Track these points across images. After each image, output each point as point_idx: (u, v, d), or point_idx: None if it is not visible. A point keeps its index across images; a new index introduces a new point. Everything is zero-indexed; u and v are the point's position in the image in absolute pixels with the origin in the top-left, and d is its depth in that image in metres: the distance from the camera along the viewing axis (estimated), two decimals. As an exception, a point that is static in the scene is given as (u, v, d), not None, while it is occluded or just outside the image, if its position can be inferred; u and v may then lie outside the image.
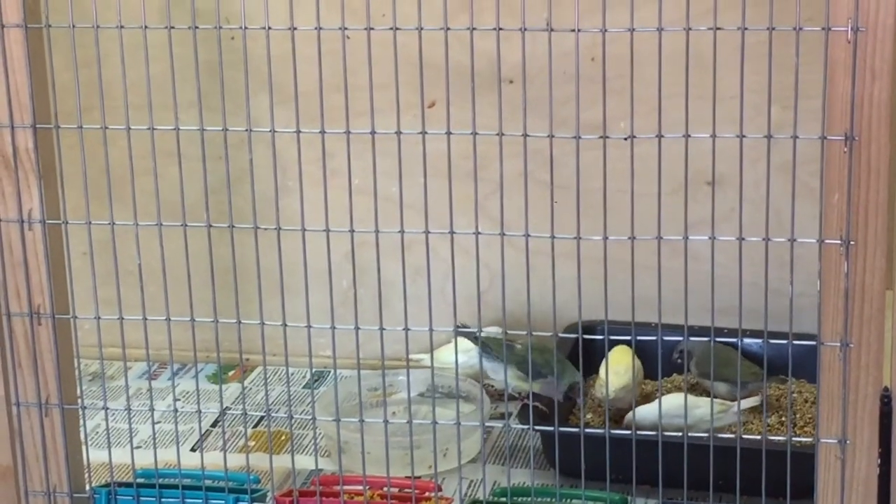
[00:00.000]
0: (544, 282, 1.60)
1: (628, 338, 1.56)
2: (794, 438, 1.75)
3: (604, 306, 1.71)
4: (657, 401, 1.98)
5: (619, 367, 2.07)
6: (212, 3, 1.87)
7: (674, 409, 1.95)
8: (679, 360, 2.17)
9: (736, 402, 1.98)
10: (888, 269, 1.44)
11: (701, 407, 1.98)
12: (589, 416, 2.17)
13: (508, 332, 1.66)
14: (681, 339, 1.98)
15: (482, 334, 2.05)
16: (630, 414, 2.01)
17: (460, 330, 2.08)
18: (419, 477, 1.95)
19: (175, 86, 1.57)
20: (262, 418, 2.26)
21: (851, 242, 1.42)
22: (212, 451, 2.15)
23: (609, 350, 2.08)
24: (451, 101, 1.52)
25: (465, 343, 2.21)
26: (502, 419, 2.21)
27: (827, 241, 1.45)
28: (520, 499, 1.80)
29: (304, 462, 2.13)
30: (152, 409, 1.72)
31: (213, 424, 2.26)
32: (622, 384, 2.07)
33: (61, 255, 1.66)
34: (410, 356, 1.71)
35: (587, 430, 1.59)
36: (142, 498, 1.75)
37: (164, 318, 1.65)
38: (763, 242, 1.49)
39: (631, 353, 2.07)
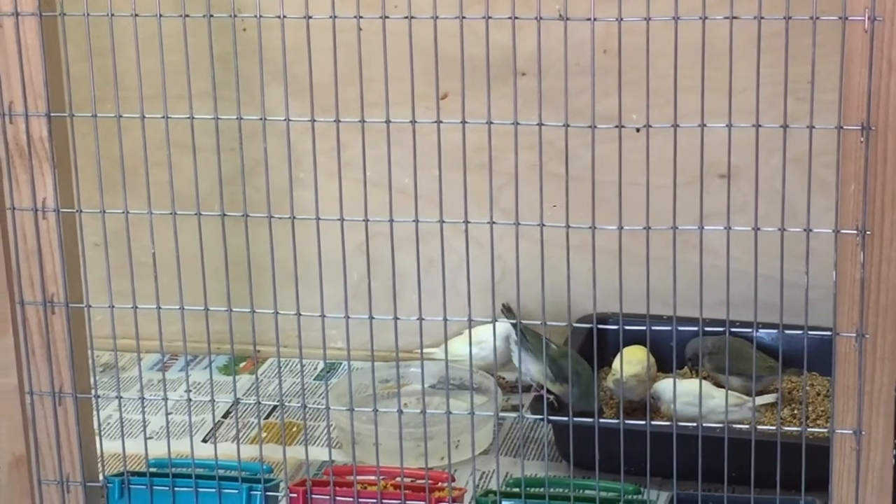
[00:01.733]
0: (558, 273, 1.60)
1: (642, 328, 1.55)
2: (811, 430, 1.75)
3: (618, 298, 1.71)
4: (675, 382, 1.99)
5: (632, 358, 2.07)
6: (226, -7, 1.86)
7: (689, 395, 1.95)
8: (690, 364, 2.17)
9: (751, 398, 1.97)
10: (904, 260, 1.44)
11: (715, 397, 1.98)
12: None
13: (522, 321, 1.66)
14: (694, 329, 1.98)
15: (522, 322, 2.06)
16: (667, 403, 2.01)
17: (503, 315, 2.08)
18: (432, 468, 1.95)
19: (189, 74, 1.56)
20: (274, 409, 2.26)
21: (867, 232, 1.42)
22: (224, 442, 2.15)
23: (623, 345, 2.08)
24: (466, 93, 1.52)
25: (478, 334, 2.21)
26: (515, 411, 2.21)
27: (843, 231, 1.44)
28: (533, 489, 1.80)
29: (317, 453, 2.13)
30: (165, 400, 1.72)
31: (226, 415, 2.26)
32: (634, 372, 2.07)
33: (75, 244, 1.66)
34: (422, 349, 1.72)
35: (601, 422, 1.59)
36: (155, 487, 1.75)
37: (178, 308, 1.65)
38: (778, 233, 1.49)
39: (644, 350, 2.07)
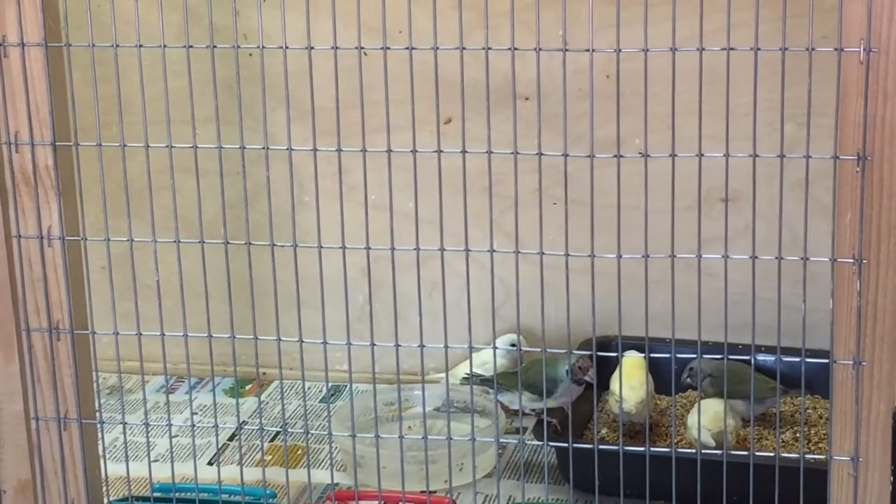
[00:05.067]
0: (559, 297, 1.61)
1: (642, 355, 1.56)
2: (809, 455, 1.75)
3: (618, 322, 1.72)
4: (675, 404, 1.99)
5: (633, 382, 2.06)
6: (230, 20, 1.88)
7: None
8: (689, 380, 2.16)
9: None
10: (901, 288, 1.45)
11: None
12: (604, 431, 2.17)
13: (522, 348, 1.67)
14: (692, 356, 1.98)
15: (491, 373, 2.07)
16: (693, 430, 2.00)
17: (474, 380, 2.10)
18: (434, 491, 1.95)
19: (193, 102, 1.58)
20: (278, 433, 2.27)
21: (864, 261, 1.43)
22: (229, 465, 2.16)
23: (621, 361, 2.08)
24: (467, 118, 1.53)
25: (481, 357, 2.21)
26: (517, 434, 2.21)
27: (839, 259, 1.45)
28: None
29: (321, 476, 2.14)
30: (170, 423, 1.73)
31: (230, 438, 2.27)
32: (639, 399, 2.05)
33: (80, 271, 1.67)
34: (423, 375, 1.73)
35: (601, 446, 1.60)
36: (159, 512, 1.77)
37: (182, 333, 1.66)
38: (776, 260, 1.50)
39: (643, 366, 2.07)
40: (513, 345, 2.28)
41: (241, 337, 1.65)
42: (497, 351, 2.23)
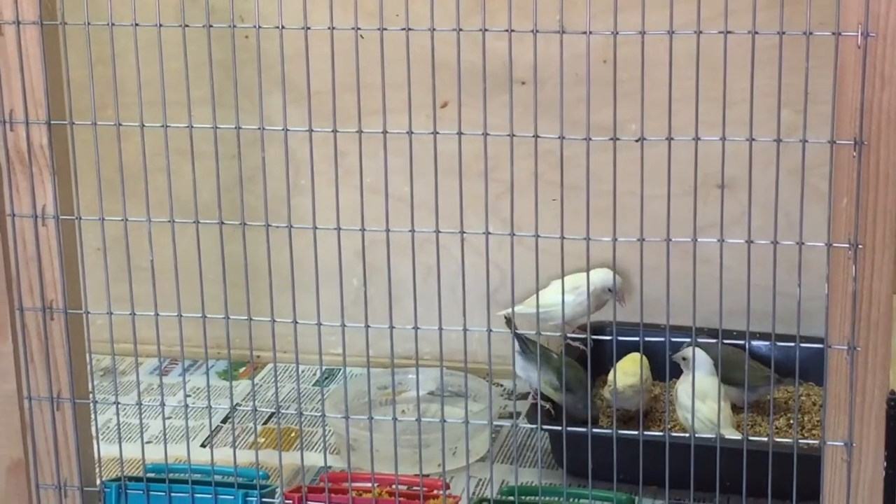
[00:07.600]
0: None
1: (636, 339, 1.56)
2: (803, 441, 1.76)
3: (612, 306, 1.72)
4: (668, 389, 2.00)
5: (627, 370, 2.07)
6: (226, 1, 1.87)
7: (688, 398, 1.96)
8: (683, 360, 2.16)
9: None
10: (896, 273, 1.45)
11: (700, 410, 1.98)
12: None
13: (518, 331, 1.67)
14: (687, 340, 1.99)
15: (522, 333, 2.05)
16: (683, 413, 2.00)
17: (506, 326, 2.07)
18: (428, 475, 1.95)
19: (189, 83, 1.57)
20: (272, 415, 2.27)
21: (859, 246, 1.43)
22: (222, 448, 2.16)
23: (620, 354, 2.08)
24: (464, 102, 1.53)
25: (574, 281, 2.11)
26: (511, 418, 2.21)
27: (835, 244, 1.45)
28: (527, 497, 1.81)
29: (314, 459, 2.14)
30: (163, 405, 1.73)
31: (224, 421, 2.27)
32: (630, 383, 2.07)
33: (74, 251, 1.67)
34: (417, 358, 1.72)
35: (594, 430, 1.60)
36: (152, 492, 1.76)
37: (176, 314, 1.66)
38: (772, 245, 1.49)
39: (641, 359, 2.07)
40: (609, 289, 2.16)
41: (234, 318, 1.65)
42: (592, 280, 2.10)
